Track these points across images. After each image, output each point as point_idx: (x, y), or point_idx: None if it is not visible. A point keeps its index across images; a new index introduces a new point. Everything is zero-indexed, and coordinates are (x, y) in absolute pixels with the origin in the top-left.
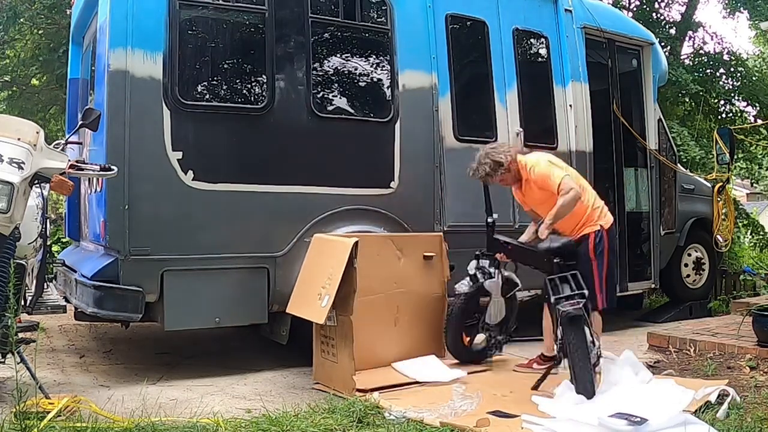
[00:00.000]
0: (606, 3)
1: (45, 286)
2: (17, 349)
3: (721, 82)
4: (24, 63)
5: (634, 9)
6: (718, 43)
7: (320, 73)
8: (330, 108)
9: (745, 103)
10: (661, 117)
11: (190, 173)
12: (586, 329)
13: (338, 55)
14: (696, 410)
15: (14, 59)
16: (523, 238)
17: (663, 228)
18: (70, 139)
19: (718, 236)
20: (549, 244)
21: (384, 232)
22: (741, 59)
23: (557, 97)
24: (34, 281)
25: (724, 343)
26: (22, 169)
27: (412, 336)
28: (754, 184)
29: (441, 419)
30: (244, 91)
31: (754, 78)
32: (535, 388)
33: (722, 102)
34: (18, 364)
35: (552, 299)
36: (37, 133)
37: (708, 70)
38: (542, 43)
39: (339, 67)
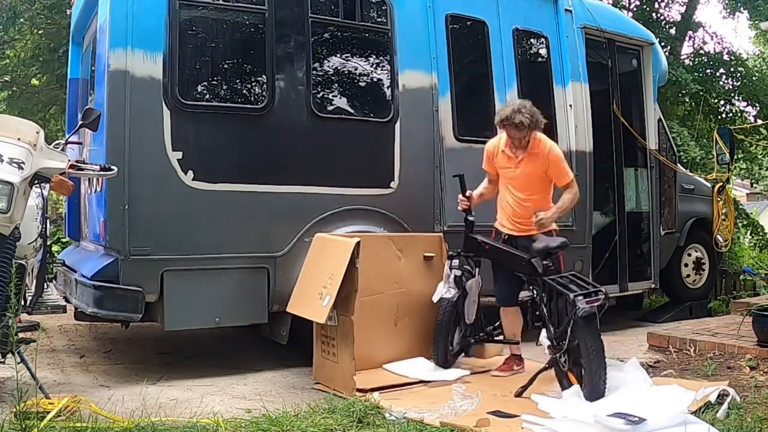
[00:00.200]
0: (606, 3)
1: (45, 286)
2: (17, 349)
3: (721, 82)
4: (24, 63)
5: (634, 9)
6: (718, 43)
7: (320, 73)
8: (330, 108)
9: (745, 103)
10: (661, 117)
11: (190, 173)
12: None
13: (338, 55)
14: (696, 410)
15: (14, 59)
16: (477, 191)
17: (663, 228)
18: (70, 139)
19: (718, 236)
20: (546, 244)
21: (384, 232)
22: (741, 59)
23: (557, 97)
24: (34, 281)
25: (724, 343)
26: (22, 169)
27: (413, 336)
28: (754, 184)
29: (441, 419)
30: (244, 91)
31: (754, 78)
32: (519, 395)
33: (722, 102)
34: (18, 364)
35: (570, 296)
36: (37, 133)
37: (708, 70)
38: (542, 43)
39: (339, 67)
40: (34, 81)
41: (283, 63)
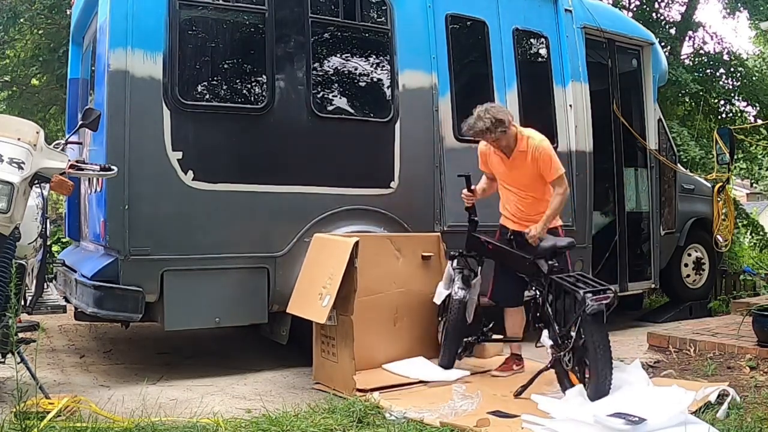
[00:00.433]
0: (606, 3)
1: (45, 286)
2: (17, 349)
3: (721, 82)
4: (24, 63)
5: (634, 9)
6: (718, 43)
7: (320, 73)
8: (330, 108)
9: (745, 103)
10: (661, 117)
11: (190, 173)
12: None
13: (338, 55)
14: (696, 410)
15: (14, 59)
16: (479, 186)
17: (663, 228)
18: (70, 139)
19: (718, 236)
20: (554, 243)
21: (384, 232)
22: (741, 59)
23: (557, 97)
24: (34, 281)
25: (724, 343)
26: (22, 169)
27: (412, 336)
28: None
29: (441, 419)
30: (244, 91)
31: (754, 78)
32: (519, 394)
33: (722, 102)
34: (18, 364)
35: (580, 293)
36: (37, 133)
37: (708, 70)
38: (542, 43)
39: (339, 67)
40: (34, 81)
41: (283, 63)
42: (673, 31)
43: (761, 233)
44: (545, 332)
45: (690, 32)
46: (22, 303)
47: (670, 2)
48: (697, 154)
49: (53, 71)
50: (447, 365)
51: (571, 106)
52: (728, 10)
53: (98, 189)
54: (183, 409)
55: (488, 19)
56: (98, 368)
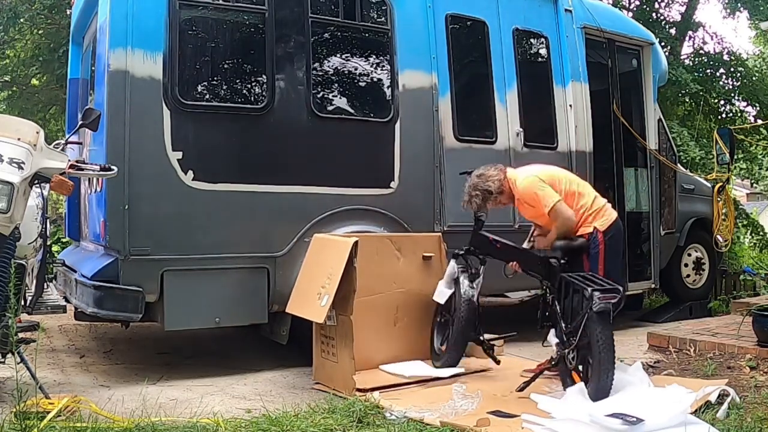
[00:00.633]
0: (606, 3)
1: (45, 286)
2: (17, 349)
3: (721, 82)
4: (24, 63)
5: (634, 9)
6: (718, 43)
7: (320, 73)
8: (330, 108)
9: (745, 103)
10: (661, 117)
11: (190, 173)
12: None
13: (338, 55)
14: (696, 410)
15: (14, 59)
16: (526, 244)
17: (663, 228)
18: (70, 139)
19: (718, 236)
20: (568, 242)
21: (384, 232)
22: (741, 59)
23: (557, 97)
24: (34, 281)
25: (724, 343)
26: (22, 169)
27: (412, 336)
28: (754, 184)
29: (441, 419)
30: (244, 91)
31: (754, 78)
32: (522, 389)
33: (722, 102)
34: (18, 364)
35: (588, 290)
36: (37, 133)
37: (708, 70)
38: (542, 43)
39: (339, 67)
40: (34, 81)
41: (283, 63)
42: (673, 31)
43: (761, 233)
44: (552, 331)
45: (690, 32)
46: (22, 303)
47: (670, 2)
48: (697, 154)
49: (53, 71)
50: (454, 364)
51: (571, 106)
52: (728, 10)
53: (98, 189)
54: (183, 409)
55: (488, 19)
56: (98, 368)
